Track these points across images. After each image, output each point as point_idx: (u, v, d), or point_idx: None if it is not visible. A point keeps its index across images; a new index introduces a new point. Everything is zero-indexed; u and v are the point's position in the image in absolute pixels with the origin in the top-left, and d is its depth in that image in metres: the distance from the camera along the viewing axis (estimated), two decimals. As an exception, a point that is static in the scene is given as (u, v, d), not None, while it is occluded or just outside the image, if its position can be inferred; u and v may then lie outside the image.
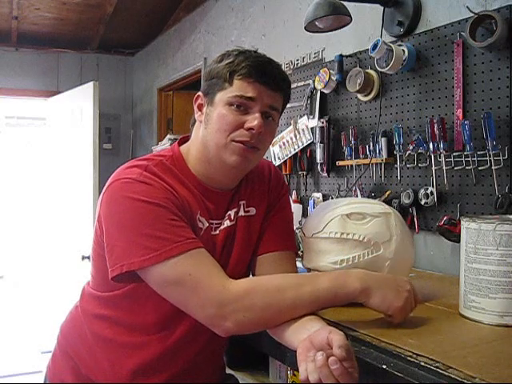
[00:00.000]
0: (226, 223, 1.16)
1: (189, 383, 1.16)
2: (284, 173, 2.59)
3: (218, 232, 1.14)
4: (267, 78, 1.07)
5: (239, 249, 1.17)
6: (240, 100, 1.05)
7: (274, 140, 2.66)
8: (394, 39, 1.98)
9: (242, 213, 1.18)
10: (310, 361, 0.82)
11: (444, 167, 1.74)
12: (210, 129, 1.08)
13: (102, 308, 1.15)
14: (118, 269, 0.98)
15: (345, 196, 2.18)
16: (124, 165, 1.10)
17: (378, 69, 1.96)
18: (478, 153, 1.63)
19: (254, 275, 1.21)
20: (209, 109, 1.10)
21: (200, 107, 1.14)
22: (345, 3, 1.83)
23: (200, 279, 0.96)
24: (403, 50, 1.87)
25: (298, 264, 1.38)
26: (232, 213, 1.17)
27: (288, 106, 2.73)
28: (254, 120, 1.05)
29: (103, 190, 1.07)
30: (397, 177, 1.94)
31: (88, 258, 3.78)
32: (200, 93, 1.14)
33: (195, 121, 1.16)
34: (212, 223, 1.13)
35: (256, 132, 1.06)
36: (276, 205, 1.24)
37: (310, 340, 0.86)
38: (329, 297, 0.98)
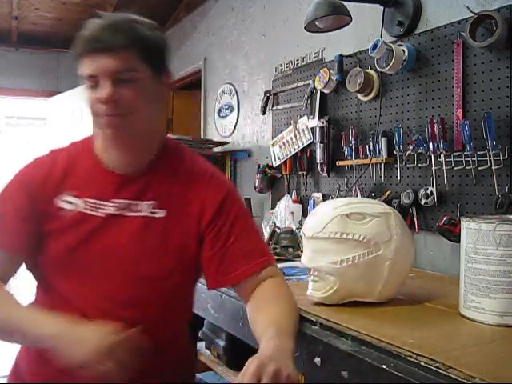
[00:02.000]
0: (113, 210, 1.09)
1: None
2: (284, 173, 2.59)
3: (98, 214, 1.09)
4: (101, 45, 1.02)
5: (131, 246, 1.09)
6: (88, 79, 1.05)
7: (274, 140, 2.66)
8: (394, 39, 1.98)
9: (146, 212, 1.11)
10: None
11: (444, 167, 1.74)
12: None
13: None
14: None
15: (345, 196, 2.18)
16: None
17: (378, 69, 1.96)
18: (478, 153, 1.63)
19: (247, 301, 1.11)
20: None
21: None
22: (345, 3, 1.83)
23: None
24: (403, 50, 1.87)
25: (298, 264, 1.37)
26: (128, 203, 1.10)
27: (288, 105, 2.77)
28: (101, 91, 1.03)
29: None
30: (397, 177, 1.94)
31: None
32: None
33: None
34: (95, 203, 1.09)
35: (106, 101, 1.02)
36: (226, 214, 1.13)
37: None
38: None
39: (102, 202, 1.09)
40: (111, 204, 1.09)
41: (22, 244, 1.08)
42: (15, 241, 1.08)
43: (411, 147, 1.85)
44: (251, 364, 0.82)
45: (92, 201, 1.09)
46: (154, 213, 1.10)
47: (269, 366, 0.81)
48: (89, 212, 1.08)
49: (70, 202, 1.09)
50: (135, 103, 1.04)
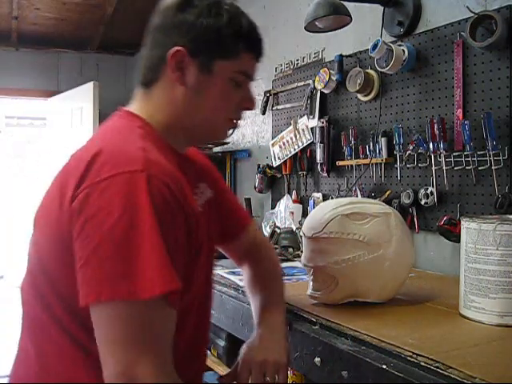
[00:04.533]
0: (203, 198, 0.99)
1: None
2: (284, 173, 2.59)
3: (200, 209, 0.94)
4: (262, 52, 0.98)
5: (212, 233, 1.03)
6: (242, 78, 0.95)
7: (274, 140, 2.66)
8: (394, 39, 1.98)
9: (209, 193, 1.03)
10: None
11: (444, 167, 1.74)
12: (206, 101, 0.92)
13: None
14: None
15: (345, 196, 2.18)
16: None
17: (378, 69, 1.96)
18: (478, 153, 1.63)
19: (240, 259, 1.21)
20: (202, 76, 0.91)
21: (179, 66, 0.91)
22: (345, 3, 1.83)
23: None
24: (403, 50, 1.87)
25: (298, 264, 1.37)
26: (200, 190, 1.00)
27: (288, 105, 2.76)
28: (252, 100, 0.99)
29: None
30: (397, 177, 1.94)
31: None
32: (181, 48, 0.89)
33: (152, 79, 0.96)
34: (195, 199, 0.93)
35: (254, 106, 1.00)
36: (219, 177, 1.15)
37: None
38: None
39: (195, 196, 0.94)
40: (199, 192, 0.98)
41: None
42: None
43: (411, 147, 1.85)
44: (243, 361, 1.00)
45: (195, 197, 0.94)
46: (210, 193, 1.04)
47: (257, 358, 0.98)
48: (199, 209, 0.93)
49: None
50: None
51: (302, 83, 2.49)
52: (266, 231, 2.25)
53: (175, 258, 0.76)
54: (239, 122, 1.00)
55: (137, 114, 0.94)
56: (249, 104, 0.98)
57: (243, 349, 1.03)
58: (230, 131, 1.00)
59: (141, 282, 0.71)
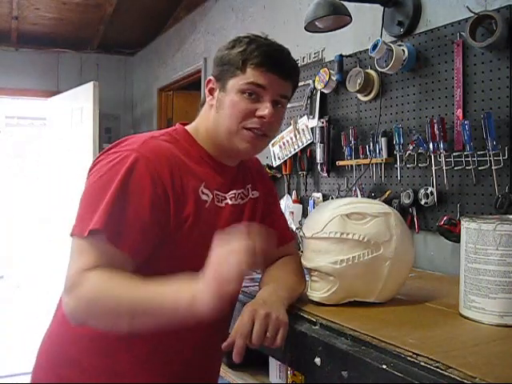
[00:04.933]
0: (235, 200, 1.18)
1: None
2: (284, 173, 2.59)
3: (223, 204, 1.15)
4: (279, 67, 1.11)
5: None
6: (252, 87, 1.08)
7: (274, 140, 2.66)
8: (393, 39, 1.98)
9: (250, 195, 1.23)
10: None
11: (444, 167, 1.74)
12: (222, 114, 1.11)
13: None
14: None
15: (345, 196, 2.18)
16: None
17: (378, 69, 1.96)
18: (478, 153, 1.63)
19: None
20: (221, 94, 1.12)
21: (211, 91, 1.15)
22: (345, 3, 1.83)
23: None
24: (403, 50, 1.87)
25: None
26: (239, 192, 1.20)
27: (288, 105, 2.74)
28: (265, 109, 1.08)
29: None
30: (397, 177, 1.94)
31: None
32: (211, 77, 1.16)
33: (204, 102, 1.18)
34: (218, 194, 1.14)
35: (267, 120, 1.09)
36: (272, 192, 1.34)
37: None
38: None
39: (223, 194, 1.15)
40: (229, 195, 1.17)
41: (148, 247, 1.02)
42: (140, 245, 1.00)
43: (411, 147, 1.85)
44: (246, 310, 1.01)
45: (217, 192, 1.14)
46: (253, 194, 1.24)
47: (260, 311, 1.00)
48: (217, 203, 1.13)
49: (206, 194, 1.11)
50: (277, 128, 1.18)
51: (302, 83, 2.49)
52: (266, 231, 2.25)
53: (133, 217, 0.98)
54: (255, 134, 1.10)
55: (184, 127, 1.17)
56: (260, 112, 1.09)
57: (246, 306, 1.04)
58: (248, 145, 1.11)
59: (88, 225, 0.96)
